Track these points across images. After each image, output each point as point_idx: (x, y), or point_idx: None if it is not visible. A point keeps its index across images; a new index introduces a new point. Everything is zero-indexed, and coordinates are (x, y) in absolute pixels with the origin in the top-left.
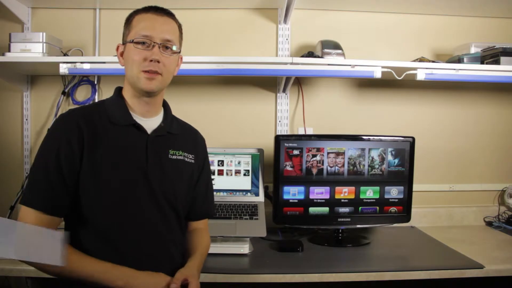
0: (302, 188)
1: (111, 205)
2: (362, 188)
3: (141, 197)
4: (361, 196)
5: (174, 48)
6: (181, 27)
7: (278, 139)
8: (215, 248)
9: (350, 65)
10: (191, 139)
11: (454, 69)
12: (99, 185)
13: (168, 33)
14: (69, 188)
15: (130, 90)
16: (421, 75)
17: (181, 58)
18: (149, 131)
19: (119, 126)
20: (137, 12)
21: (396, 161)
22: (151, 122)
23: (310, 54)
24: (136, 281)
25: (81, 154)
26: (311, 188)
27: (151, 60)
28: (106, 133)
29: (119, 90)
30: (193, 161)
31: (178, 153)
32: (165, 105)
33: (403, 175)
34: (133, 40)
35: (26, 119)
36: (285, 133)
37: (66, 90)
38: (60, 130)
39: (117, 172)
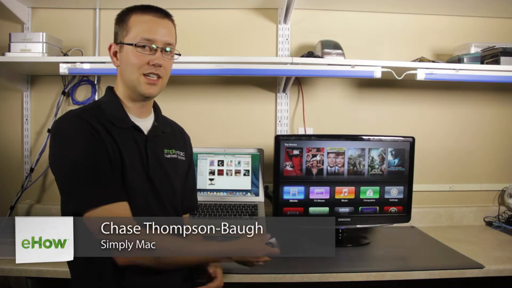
0: (302, 188)
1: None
2: (362, 188)
3: (146, 196)
4: (361, 196)
5: (171, 50)
6: (175, 27)
7: (278, 139)
8: None
9: (350, 65)
10: (180, 137)
11: (454, 69)
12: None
13: (168, 36)
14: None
15: (126, 92)
16: (421, 75)
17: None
18: (145, 131)
19: (119, 128)
20: (133, 11)
21: (396, 161)
22: (145, 123)
23: (310, 54)
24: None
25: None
26: (311, 188)
27: (153, 64)
28: (111, 133)
29: (111, 90)
30: (184, 158)
31: (172, 151)
32: (155, 105)
33: (403, 175)
34: (135, 44)
35: (26, 119)
36: (285, 133)
37: (66, 90)
38: (80, 129)
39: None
